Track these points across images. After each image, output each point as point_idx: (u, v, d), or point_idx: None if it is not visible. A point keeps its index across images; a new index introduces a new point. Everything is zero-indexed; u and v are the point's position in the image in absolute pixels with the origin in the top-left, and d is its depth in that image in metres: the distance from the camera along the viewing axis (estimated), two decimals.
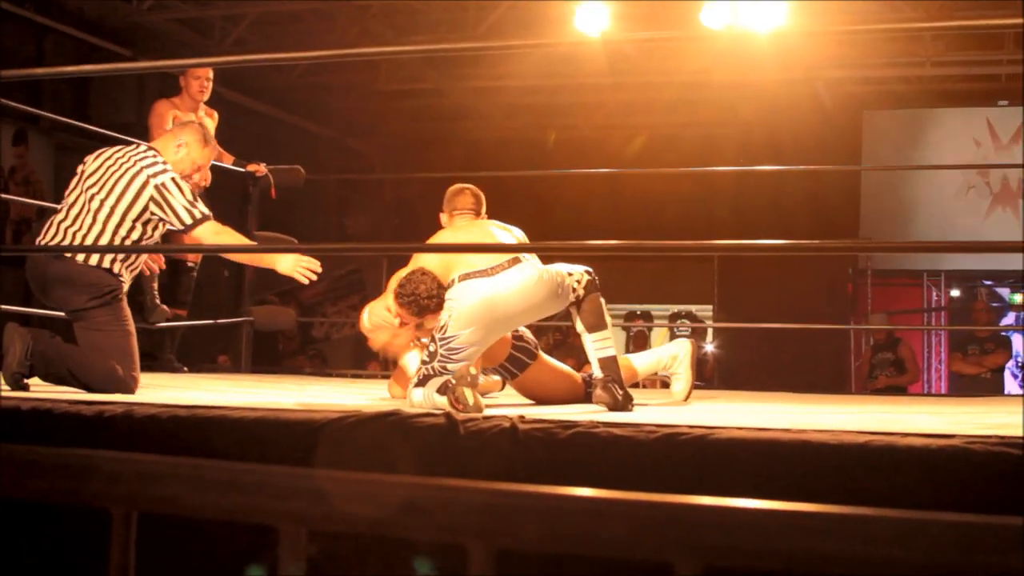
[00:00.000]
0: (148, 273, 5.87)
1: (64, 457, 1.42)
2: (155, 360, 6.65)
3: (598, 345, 3.96)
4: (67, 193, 4.40)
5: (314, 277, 4.46)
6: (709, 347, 12.47)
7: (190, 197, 4.30)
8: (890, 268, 12.70)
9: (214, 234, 4.30)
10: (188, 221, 4.25)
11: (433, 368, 3.78)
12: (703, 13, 8.50)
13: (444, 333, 3.81)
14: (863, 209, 12.29)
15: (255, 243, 4.81)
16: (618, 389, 3.82)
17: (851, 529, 1.10)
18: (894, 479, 2.32)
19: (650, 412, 3.69)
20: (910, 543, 1.08)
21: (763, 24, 8.15)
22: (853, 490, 2.32)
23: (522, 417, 2.70)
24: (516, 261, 3.94)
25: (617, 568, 1.32)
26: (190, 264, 6.55)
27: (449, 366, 3.76)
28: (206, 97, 6.55)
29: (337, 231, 14.10)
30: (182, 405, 3.09)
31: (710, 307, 13.35)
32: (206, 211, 4.31)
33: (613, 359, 3.93)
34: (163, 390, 4.38)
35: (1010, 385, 10.83)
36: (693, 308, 14.30)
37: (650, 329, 13.90)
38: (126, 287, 4.32)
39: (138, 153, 4.35)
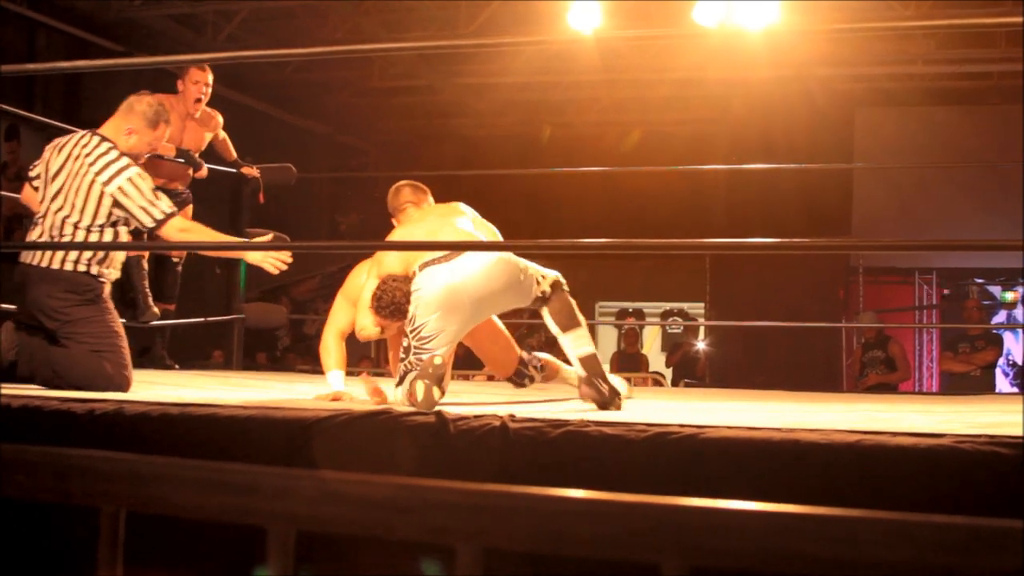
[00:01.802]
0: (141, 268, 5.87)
1: (52, 455, 1.42)
2: (146, 356, 6.64)
3: (576, 344, 3.95)
4: (31, 179, 4.37)
5: (283, 267, 4.44)
6: (701, 345, 12.48)
7: (148, 196, 4.21)
8: (882, 266, 12.72)
9: (178, 231, 4.25)
10: (149, 224, 4.20)
11: (409, 363, 3.81)
12: (696, 11, 8.50)
13: (413, 324, 3.84)
14: (855, 207, 12.31)
15: (223, 236, 4.77)
16: (603, 384, 3.81)
17: (839, 531, 1.10)
18: (884, 479, 2.33)
19: (641, 411, 3.69)
20: (899, 545, 1.09)
21: (756, 22, 8.15)
22: (843, 489, 2.32)
23: (512, 416, 2.70)
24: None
25: (604, 569, 1.32)
26: (175, 260, 6.55)
27: (424, 356, 3.77)
28: (199, 109, 6.47)
29: (329, 228, 14.09)
30: (173, 403, 3.09)
31: (702, 305, 13.37)
32: (167, 208, 4.24)
33: (593, 356, 3.93)
34: (154, 388, 4.37)
35: (1001, 383, 10.84)
36: (685, 306, 14.32)
37: (642, 327, 13.91)
38: (108, 286, 4.30)
39: (89, 155, 4.25)
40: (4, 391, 3.32)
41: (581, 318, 4.03)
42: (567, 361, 4.13)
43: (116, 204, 4.19)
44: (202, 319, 6.92)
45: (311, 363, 10.63)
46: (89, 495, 1.37)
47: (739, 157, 10.97)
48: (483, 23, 10.14)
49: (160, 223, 4.21)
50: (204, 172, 6.47)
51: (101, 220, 4.19)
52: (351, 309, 4.31)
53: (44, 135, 10.09)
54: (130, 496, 1.35)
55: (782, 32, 9.50)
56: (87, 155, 4.25)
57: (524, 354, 4.51)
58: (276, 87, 12.27)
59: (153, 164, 6.36)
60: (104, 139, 4.32)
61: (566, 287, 4.07)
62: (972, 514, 1.13)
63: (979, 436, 2.37)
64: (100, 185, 4.18)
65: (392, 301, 3.96)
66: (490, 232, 4.17)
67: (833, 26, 7.95)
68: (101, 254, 4.23)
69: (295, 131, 12.80)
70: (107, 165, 4.22)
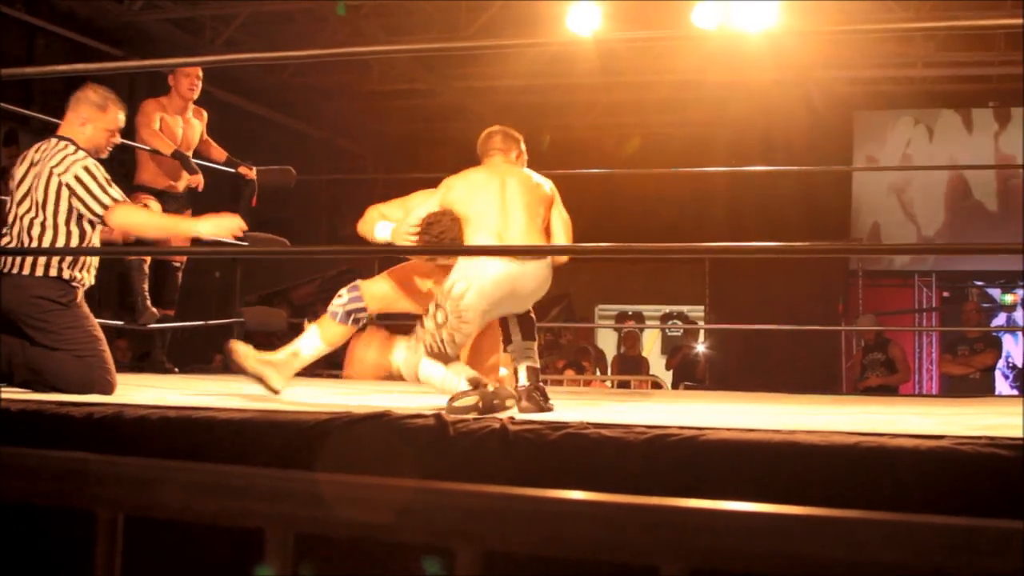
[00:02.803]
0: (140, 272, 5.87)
1: (50, 459, 1.42)
2: (146, 361, 6.64)
3: (529, 354, 3.97)
4: (15, 188, 4.37)
5: (239, 232, 4.44)
6: (701, 348, 12.47)
7: (101, 183, 4.25)
8: (881, 269, 12.73)
9: (127, 216, 4.30)
10: (99, 211, 4.22)
11: (443, 339, 3.78)
12: (695, 13, 8.50)
13: (460, 303, 3.80)
14: (854, 210, 12.32)
15: (171, 221, 4.76)
16: (541, 398, 3.85)
17: (839, 532, 1.10)
18: (884, 480, 2.32)
19: (640, 413, 3.68)
20: (898, 546, 1.08)
21: (755, 24, 8.15)
22: (843, 491, 2.31)
23: (512, 418, 2.70)
24: (540, 257, 3.99)
25: (604, 571, 1.32)
26: (176, 264, 6.54)
27: (457, 337, 3.78)
28: (196, 96, 6.54)
29: (328, 232, 14.07)
30: (171, 407, 3.09)
31: (702, 308, 13.37)
32: (117, 195, 4.27)
33: (538, 369, 3.96)
34: (152, 391, 4.37)
35: (1000, 385, 10.84)
36: (685, 309, 14.31)
37: (642, 330, 13.91)
38: (82, 290, 4.30)
39: (50, 155, 4.30)
40: (3, 395, 3.32)
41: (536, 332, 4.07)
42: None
43: (73, 197, 4.22)
44: (201, 323, 6.91)
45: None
46: (87, 499, 1.37)
47: (738, 160, 10.96)
48: (482, 26, 10.13)
49: (109, 209, 4.23)
50: (199, 180, 6.48)
51: (63, 214, 4.22)
52: (402, 214, 4.26)
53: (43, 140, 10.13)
54: (128, 500, 1.34)
55: (781, 34, 9.50)
56: (48, 156, 4.30)
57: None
58: (275, 91, 12.26)
59: (154, 160, 6.38)
60: (61, 138, 4.38)
61: None
62: (972, 515, 1.13)
63: (979, 438, 2.36)
64: (57, 176, 4.23)
65: (439, 236, 3.93)
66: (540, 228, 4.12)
67: (832, 28, 7.96)
68: (78, 261, 4.23)
69: (294, 135, 12.80)
70: (64, 158, 4.27)
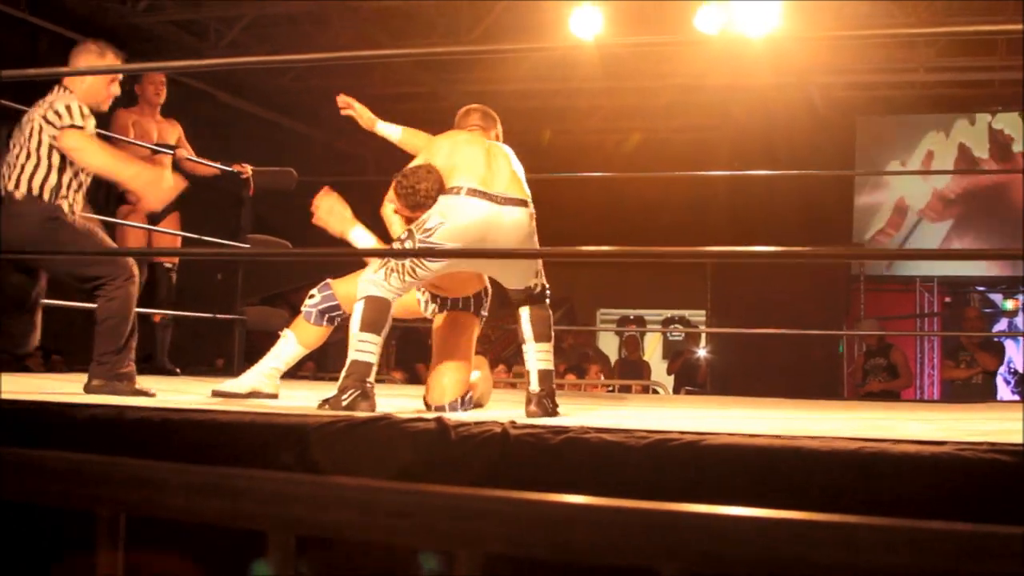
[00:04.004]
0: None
1: (51, 460, 1.42)
2: (150, 364, 6.64)
3: (541, 357, 3.88)
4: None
5: (171, 195, 4.55)
6: (702, 352, 12.47)
7: (73, 113, 4.31)
8: (883, 274, 12.73)
9: (77, 141, 4.32)
10: (57, 124, 4.27)
11: (400, 268, 3.72)
12: (697, 17, 8.51)
13: (429, 236, 3.73)
14: (856, 214, 12.32)
15: (119, 156, 4.74)
16: (550, 404, 3.80)
17: (840, 537, 1.10)
18: (886, 486, 2.32)
19: (642, 418, 3.68)
20: (900, 551, 1.08)
21: (757, 28, 8.16)
22: (845, 496, 2.31)
23: (513, 422, 2.70)
24: (523, 203, 3.91)
25: (604, 574, 1.32)
26: (167, 266, 6.57)
27: (418, 271, 3.73)
28: (162, 100, 6.63)
29: (330, 234, 14.06)
30: (173, 408, 3.09)
31: (703, 312, 13.36)
32: (79, 122, 4.31)
33: (552, 372, 3.90)
34: (155, 392, 4.37)
35: (1002, 391, 10.84)
36: (686, 313, 14.31)
37: (643, 334, 13.91)
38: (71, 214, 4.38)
39: (47, 100, 4.40)
40: (3, 395, 3.32)
41: (552, 334, 3.98)
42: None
43: (46, 121, 4.30)
44: (205, 316, 6.88)
45: (311, 370, 10.63)
46: (88, 499, 1.37)
47: (740, 164, 10.97)
48: (485, 30, 10.14)
49: (67, 127, 4.29)
50: (183, 153, 6.57)
51: (45, 146, 4.28)
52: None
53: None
54: (129, 500, 1.34)
55: (783, 39, 9.50)
56: (44, 101, 4.41)
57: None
58: (277, 93, 12.27)
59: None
60: (61, 86, 4.48)
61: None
62: (973, 521, 1.13)
63: (980, 444, 2.36)
64: (41, 110, 4.33)
65: (414, 187, 3.88)
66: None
67: (834, 33, 7.97)
68: (61, 188, 4.31)
69: (296, 137, 12.80)
70: (55, 101, 4.37)
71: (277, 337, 4.33)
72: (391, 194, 4.07)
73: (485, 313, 4.26)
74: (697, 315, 13.97)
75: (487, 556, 1.21)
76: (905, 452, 2.36)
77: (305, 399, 4.11)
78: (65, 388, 4.19)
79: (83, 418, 2.98)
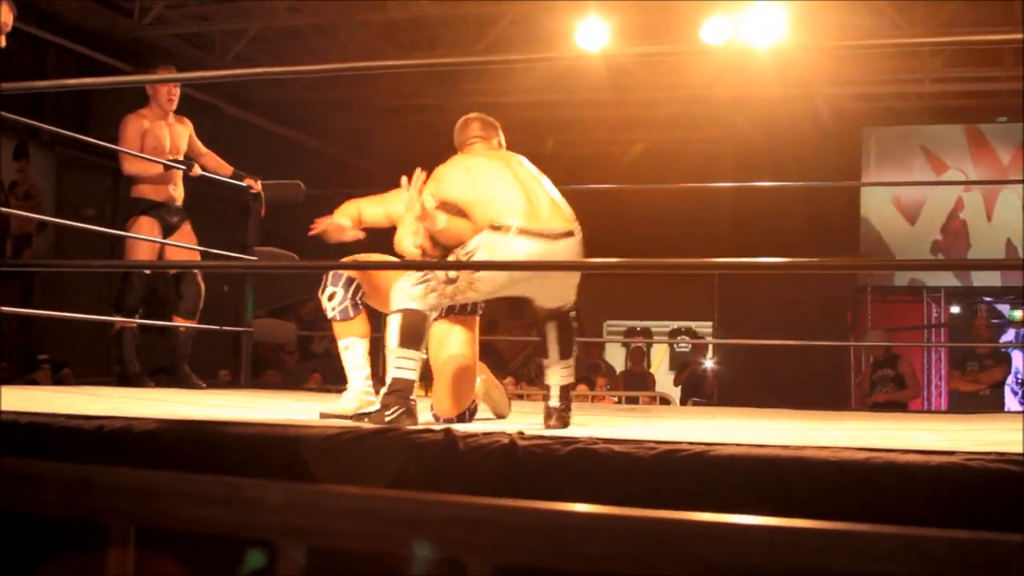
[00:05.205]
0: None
1: (62, 471, 1.42)
2: (173, 375, 6.63)
3: (565, 373, 3.85)
4: None
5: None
6: (709, 363, 12.46)
7: None
8: (889, 284, 12.71)
9: None
10: None
11: (443, 291, 3.63)
12: (703, 29, 8.53)
13: (475, 273, 3.64)
14: (863, 225, 12.32)
15: None
16: (568, 414, 3.80)
17: (850, 546, 1.10)
18: (894, 496, 2.32)
19: (649, 429, 3.68)
20: (909, 560, 1.08)
21: (763, 40, 8.17)
22: (853, 507, 2.31)
23: (521, 433, 2.70)
24: (571, 234, 3.79)
25: None
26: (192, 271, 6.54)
27: (457, 297, 3.67)
28: (174, 106, 6.59)
29: (337, 246, 14.07)
30: (181, 420, 3.09)
31: (710, 323, 13.36)
32: None
33: (571, 386, 3.88)
34: (162, 404, 4.38)
35: (1010, 402, 10.82)
36: (693, 324, 14.30)
37: (649, 346, 13.90)
38: None
39: None
40: (13, 407, 3.32)
41: (575, 348, 3.94)
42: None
43: None
44: (212, 328, 6.88)
45: (318, 382, 10.63)
46: (98, 510, 1.37)
47: (746, 175, 10.97)
48: (491, 42, 10.17)
49: None
50: (197, 170, 6.52)
51: None
52: (381, 211, 4.14)
53: (53, 154, 10.17)
54: (140, 512, 1.35)
55: (789, 50, 9.51)
56: None
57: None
58: (284, 106, 12.30)
59: (149, 173, 6.41)
60: None
61: None
62: (981, 530, 1.13)
63: (988, 454, 2.36)
64: None
65: (452, 237, 3.73)
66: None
67: (840, 43, 7.98)
68: None
69: (303, 150, 12.83)
70: None
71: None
72: (414, 233, 3.94)
73: (482, 306, 4.20)
74: (704, 326, 13.97)
75: (495, 566, 1.21)
76: (912, 462, 2.36)
77: (311, 411, 4.12)
78: (72, 400, 4.19)
79: (90, 429, 2.99)
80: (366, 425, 3.06)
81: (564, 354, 3.87)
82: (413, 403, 3.52)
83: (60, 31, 9.80)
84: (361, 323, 4.07)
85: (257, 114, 11.98)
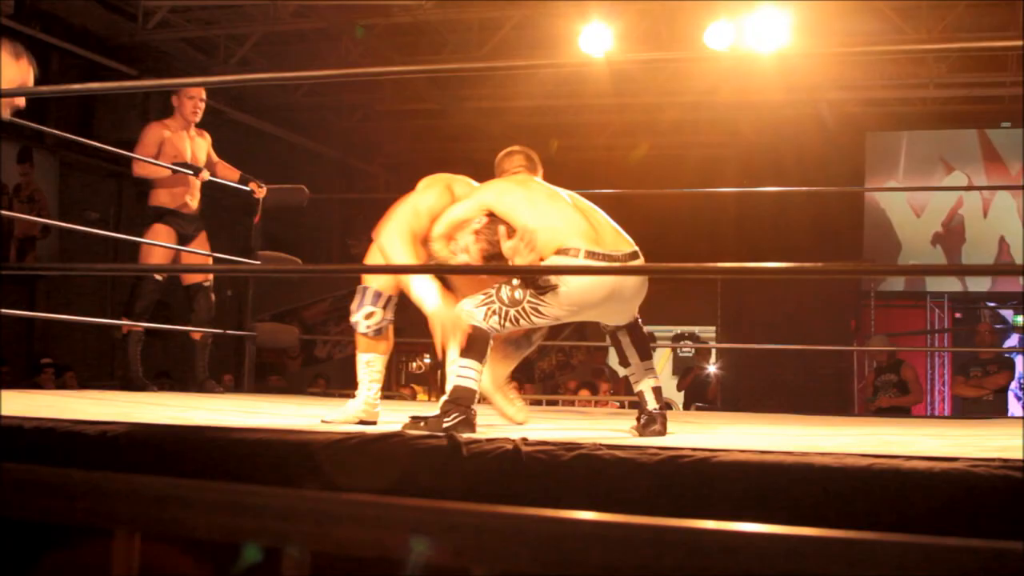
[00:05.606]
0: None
1: (66, 477, 1.42)
2: (193, 384, 6.65)
3: (652, 375, 3.85)
4: None
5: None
6: (712, 368, 12.46)
7: None
8: (893, 290, 12.71)
9: None
10: None
11: (508, 311, 3.60)
12: (707, 33, 8.52)
13: (543, 294, 3.61)
14: (867, 231, 12.32)
15: None
16: (664, 419, 3.76)
17: (853, 553, 1.10)
18: (898, 502, 2.32)
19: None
20: (913, 567, 1.08)
21: (767, 45, 8.17)
22: (856, 513, 2.31)
23: (525, 439, 2.70)
24: (636, 255, 3.82)
25: None
26: (205, 284, 6.54)
27: (521, 322, 3.64)
28: (198, 119, 6.59)
29: (340, 251, 14.10)
30: (184, 425, 3.09)
31: (713, 328, 13.35)
32: None
33: (660, 388, 3.84)
34: (166, 409, 4.38)
35: (1014, 407, 10.80)
36: (696, 329, 14.29)
37: (653, 350, 13.87)
38: None
39: None
40: (17, 412, 3.33)
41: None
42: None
43: None
44: (215, 332, 6.88)
45: (323, 386, 10.64)
46: (101, 516, 1.37)
47: (750, 180, 10.98)
48: (494, 47, 10.17)
49: None
50: (206, 175, 6.53)
51: None
52: (426, 221, 3.94)
53: (57, 158, 10.18)
54: (144, 517, 1.35)
55: (793, 55, 9.51)
56: None
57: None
58: (287, 110, 12.31)
59: (165, 181, 6.43)
60: None
61: None
62: (985, 537, 1.13)
63: (992, 460, 2.36)
64: None
65: (490, 245, 3.70)
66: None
67: (844, 49, 7.97)
68: None
69: (306, 154, 12.85)
70: None
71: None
72: (452, 241, 3.85)
73: (538, 342, 4.22)
74: (707, 331, 13.96)
75: (499, 572, 1.21)
76: (916, 468, 2.35)
77: (315, 416, 4.11)
78: (76, 405, 4.19)
79: (94, 435, 2.98)
80: (369, 430, 3.06)
81: (644, 355, 3.89)
82: (473, 412, 3.51)
83: (64, 35, 9.81)
84: (388, 339, 4.07)
85: (260, 118, 12.00)
